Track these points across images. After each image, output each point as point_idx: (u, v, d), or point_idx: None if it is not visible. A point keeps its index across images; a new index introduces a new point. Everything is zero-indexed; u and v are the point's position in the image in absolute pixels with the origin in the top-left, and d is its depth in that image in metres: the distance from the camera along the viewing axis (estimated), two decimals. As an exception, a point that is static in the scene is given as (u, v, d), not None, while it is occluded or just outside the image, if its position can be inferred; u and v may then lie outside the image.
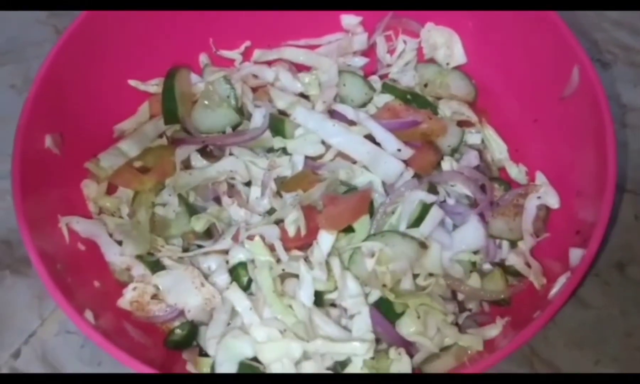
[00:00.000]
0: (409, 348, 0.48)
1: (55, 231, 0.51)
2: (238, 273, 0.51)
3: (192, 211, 0.54)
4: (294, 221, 0.50)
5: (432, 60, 0.62)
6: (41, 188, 0.50)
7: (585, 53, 0.50)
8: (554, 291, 0.45)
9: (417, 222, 0.50)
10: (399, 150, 0.54)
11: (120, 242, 0.53)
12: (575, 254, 0.46)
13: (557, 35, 0.51)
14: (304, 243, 0.50)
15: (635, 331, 0.58)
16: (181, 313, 0.51)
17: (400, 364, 0.46)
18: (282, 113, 0.58)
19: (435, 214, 0.49)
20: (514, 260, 0.51)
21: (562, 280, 0.46)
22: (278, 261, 0.50)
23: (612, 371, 0.56)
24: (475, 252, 0.52)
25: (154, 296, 0.51)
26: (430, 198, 0.50)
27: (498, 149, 0.58)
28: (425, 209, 0.50)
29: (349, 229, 0.51)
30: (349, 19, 0.63)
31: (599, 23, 0.74)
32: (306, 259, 0.50)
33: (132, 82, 0.59)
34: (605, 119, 0.47)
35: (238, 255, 0.51)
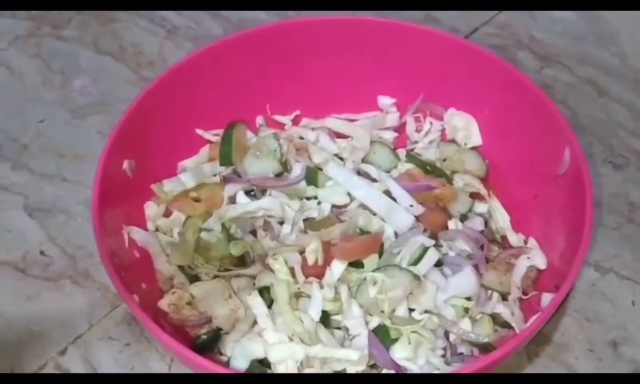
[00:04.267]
0: (399, 372, 0.54)
1: (118, 237, 0.61)
2: (263, 295, 0.59)
3: (231, 239, 0.63)
4: (313, 250, 0.58)
5: (453, 141, 0.71)
6: (113, 202, 0.59)
7: (575, 136, 0.58)
8: (524, 327, 0.51)
9: (416, 262, 0.57)
10: (412, 206, 0.62)
11: (168, 255, 0.63)
12: (546, 297, 0.52)
13: (552, 119, 0.59)
14: (319, 272, 0.58)
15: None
16: (209, 319, 0.59)
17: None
18: (317, 168, 0.67)
19: (431, 255, 0.56)
20: (501, 309, 0.57)
21: (532, 319, 0.52)
22: (296, 282, 0.58)
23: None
24: (468, 300, 0.58)
25: (189, 303, 0.60)
26: (429, 242, 0.57)
27: (502, 219, 0.65)
28: (424, 251, 0.57)
29: (359, 265, 0.59)
30: (385, 100, 0.73)
31: (615, 131, 0.82)
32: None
33: (198, 131, 0.70)
34: (587, 195, 0.54)
35: (265, 278, 0.59)
